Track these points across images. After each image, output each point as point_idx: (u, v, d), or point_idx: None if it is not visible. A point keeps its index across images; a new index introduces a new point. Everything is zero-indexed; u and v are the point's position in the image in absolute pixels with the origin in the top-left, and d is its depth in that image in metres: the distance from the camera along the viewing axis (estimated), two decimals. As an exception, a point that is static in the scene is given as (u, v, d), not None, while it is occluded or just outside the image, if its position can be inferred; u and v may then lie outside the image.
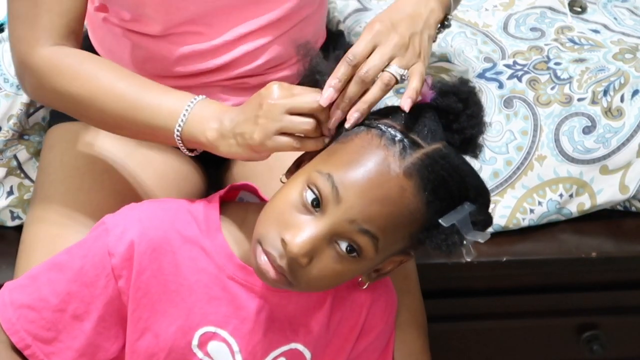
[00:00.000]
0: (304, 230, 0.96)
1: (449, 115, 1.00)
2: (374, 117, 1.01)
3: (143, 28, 1.22)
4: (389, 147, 0.97)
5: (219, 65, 1.23)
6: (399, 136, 0.98)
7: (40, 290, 1.05)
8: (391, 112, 1.02)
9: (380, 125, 0.99)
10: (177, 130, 1.07)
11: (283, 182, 1.04)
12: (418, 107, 1.00)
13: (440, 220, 0.97)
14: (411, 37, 1.05)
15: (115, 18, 1.26)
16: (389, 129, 0.98)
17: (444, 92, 1.01)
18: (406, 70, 1.02)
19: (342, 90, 1.01)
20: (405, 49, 1.04)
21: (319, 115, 1.01)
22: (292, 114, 1.00)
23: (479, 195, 0.99)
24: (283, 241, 0.96)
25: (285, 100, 1.00)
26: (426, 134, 0.99)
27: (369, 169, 0.97)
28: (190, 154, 1.11)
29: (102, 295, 1.05)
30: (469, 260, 0.99)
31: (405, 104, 0.99)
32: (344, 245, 0.97)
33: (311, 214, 0.97)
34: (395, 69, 1.02)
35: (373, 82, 1.02)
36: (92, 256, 1.05)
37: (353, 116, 1.00)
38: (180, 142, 1.08)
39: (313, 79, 1.04)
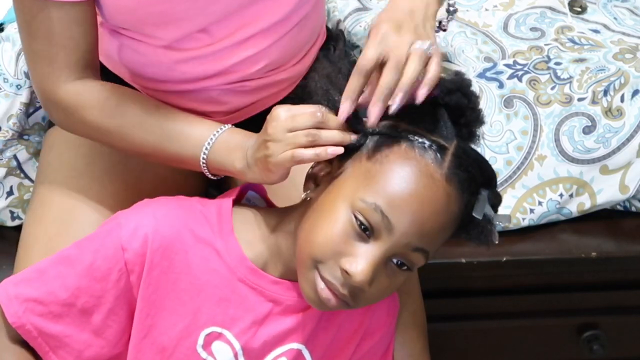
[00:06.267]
0: (363, 258, 0.98)
1: (456, 110, 1.02)
2: (393, 123, 1.02)
3: (143, 38, 1.21)
4: (424, 156, 0.99)
5: (219, 70, 1.23)
6: (427, 142, 0.99)
7: (48, 284, 1.05)
8: (406, 115, 1.02)
9: (406, 135, 1.00)
10: (203, 159, 1.12)
11: (304, 198, 1.06)
12: (430, 106, 1.02)
13: (474, 214, 1.01)
14: (416, 29, 1.07)
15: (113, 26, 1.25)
16: (416, 137, 1.00)
17: (450, 89, 1.03)
18: (429, 42, 1.04)
19: (358, 98, 1.03)
20: (417, 37, 1.06)
21: (319, 127, 1.02)
22: (293, 132, 1.02)
23: (491, 178, 1.03)
24: (344, 271, 0.98)
25: (285, 122, 1.02)
26: (445, 133, 1.01)
27: (416, 187, 0.98)
28: (214, 178, 1.16)
29: (114, 290, 1.05)
30: (496, 242, 1.03)
31: (421, 95, 1.01)
32: (396, 261, 1.00)
33: (365, 241, 0.99)
34: (419, 44, 1.03)
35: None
36: (104, 250, 1.05)
37: (398, 97, 1.01)
38: (205, 169, 1.13)
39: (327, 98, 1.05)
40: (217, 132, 1.13)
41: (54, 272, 1.06)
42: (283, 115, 1.03)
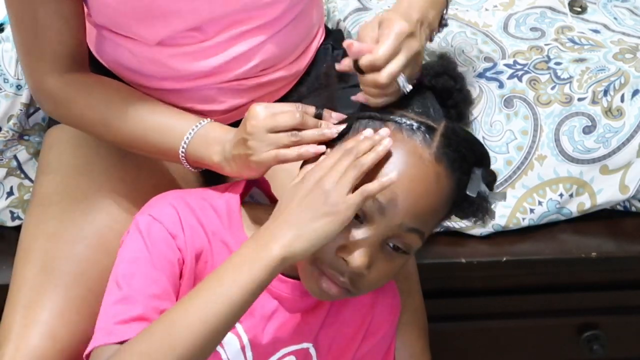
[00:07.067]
0: (359, 244, 0.98)
1: (443, 93, 1.03)
2: (382, 110, 1.02)
3: (134, 37, 1.21)
4: (412, 137, 0.99)
5: (213, 67, 1.23)
6: (415, 124, 1.00)
7: (137, 304, 1.00)
8: (394, 101, 1.03)
9: (394, 118, 1.01)
10: (182, 151, 1.15)
11: None
12: (417, 90, 1.03)
13: (468, 192, 1.01)
14: (424, 41, 1.08)
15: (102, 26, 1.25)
16: (403, 119, 1.00)
17: (437, 72, 1.04)
18: (410, 86, 1.03)
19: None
20: (418, 56, 1.05)
21: (298, 127, 1.05)
22: (273, 132, 1.05)
23: (484, 157, 1.04)
24: (342, 260, 0.98)
25: (265, 121, 1.05)
26: (433, 115, 1.01)
27: (405, 167, 0.98)
28: (193, 170, 1.19)
29: (177, 282, 1.04)
30: (493, 220, 1.03)
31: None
32: (392, 245, 1.00)
33: (359, 226, 0.99)
34: (402, 81, 1.02)
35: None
36: (158, 249, 1.03)
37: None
38: (185, 161, 1.16)
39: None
40: (197, 125, 1.15)
41: (135, 290, 1.01)
42: (262, 114, 1.05)
